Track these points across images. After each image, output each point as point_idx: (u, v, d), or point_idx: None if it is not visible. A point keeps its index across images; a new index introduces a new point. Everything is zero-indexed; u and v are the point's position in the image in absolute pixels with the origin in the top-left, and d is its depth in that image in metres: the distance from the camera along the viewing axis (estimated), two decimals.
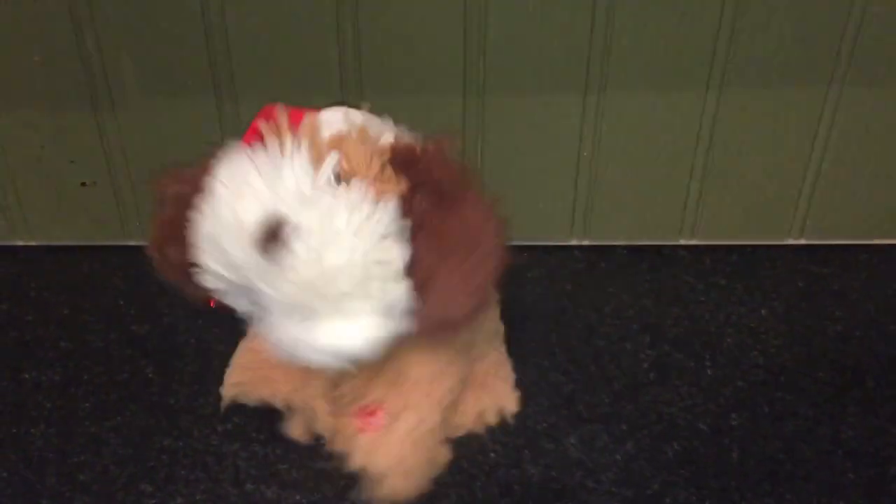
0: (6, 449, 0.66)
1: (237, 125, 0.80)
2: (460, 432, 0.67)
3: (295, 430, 0.66)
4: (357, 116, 0.57)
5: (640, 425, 0.67)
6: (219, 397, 0.69)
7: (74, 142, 0.82)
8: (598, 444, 0.66)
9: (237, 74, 0.77)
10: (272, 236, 0.51)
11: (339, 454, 0.64)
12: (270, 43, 0.76)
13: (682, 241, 0.87)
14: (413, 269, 0.53)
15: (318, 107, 0.58)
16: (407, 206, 0.52)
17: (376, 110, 0.75)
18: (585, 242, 0.87)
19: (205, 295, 0.57)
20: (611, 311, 0.79)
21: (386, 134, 0.57)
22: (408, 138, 0.57)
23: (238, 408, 0.68)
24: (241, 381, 0.66)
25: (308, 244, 0.50)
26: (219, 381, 0.70)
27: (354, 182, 0.52)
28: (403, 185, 0.53)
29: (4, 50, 0.77)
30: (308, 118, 0.55)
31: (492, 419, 0.68)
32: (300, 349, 0.54)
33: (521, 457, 0.65)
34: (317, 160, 0.52)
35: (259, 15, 0.74)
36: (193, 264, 0.55)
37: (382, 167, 0.53)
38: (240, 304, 0.56)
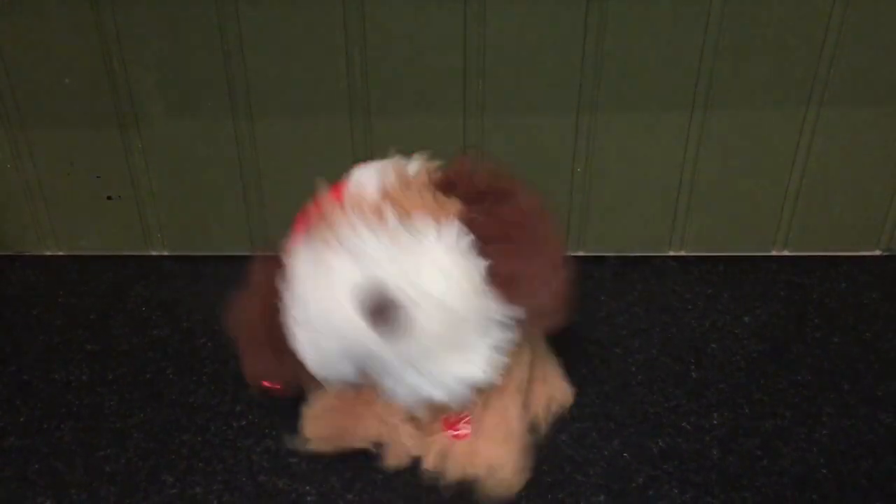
0: (39, 443, 0.69)
1: (252, 143, 0.84)
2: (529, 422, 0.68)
3: (391, 459, 0.66)
4: (385, 166, 0.59)
5: (626, 424, 0.70)
6: (234, 395, 0.73)
7: (101, 158, 0.85)
8: (587, 441, 0.69)
9: (253, 97, 0.81)
10: (383, 308, 0.51)
11: (432, 469, 0.65)
12: (284, 67, 0.79)
13: (671, 253, 0.90)
14: (495, 275, 0.54)
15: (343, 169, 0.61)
16: (469, 222, 0.54)
17: (382, 129, 0.80)
18: (580, 253, 0.90)
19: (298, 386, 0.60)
20: (602, 318, 0.82)
21: (414, 169, 0.58)
22: (433, 167, 0.58)
23: (252, 406, 0.72)
24: (319, 435, 0.67)
25: (428, 299, 0.51)
26: (234, 381, 0.75)
27: (419, 219, 0.52)
28: (458, 205, 0.55)
29: (37, 73, 0.80)
30: (347, 187, 0.57)
31: (555, 409, 0.69)
32: (424, 393, 0.55)
33: None
34: (378, 218, 0.53)
35: (274, 42, 0.78)
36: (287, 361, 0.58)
37: (433, 197, 0.55)
38: (345, 373, 0.58)
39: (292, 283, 0.56)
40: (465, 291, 0.53)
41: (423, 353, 0.54)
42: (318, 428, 0.67)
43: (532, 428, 0.68)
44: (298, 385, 0.62)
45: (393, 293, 0.52)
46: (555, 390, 0.70)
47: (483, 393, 0.62)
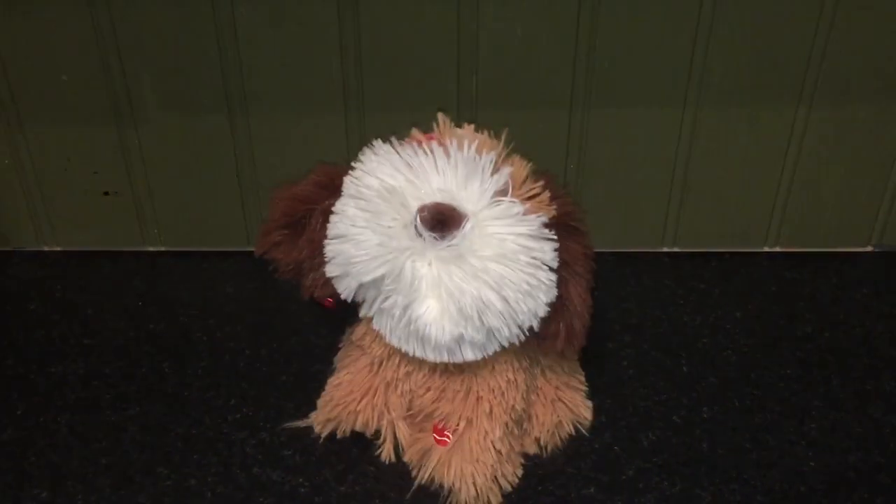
0: (35, 436, 0.70)
1: (248, 139, 0.84)
2: (535, 447, 0.68)
3: (384, 453, 0.68)
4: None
5: (618, 417, 0.71)
6: (228, 389, 0.74)
7: (98, 154, 0.86)
8: (578, 434, 0.69)
9: (248, 92, 0.81)
10: (441, 219, 0.53)
11: (411, 465, 0.67)
12: (279, 63, 0.80)
13: (664, 249, 0.91)
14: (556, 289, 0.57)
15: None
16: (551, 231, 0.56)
17: (377, 125, 0.80)
18: None
19: (319, 289, 0.59)
20: (595, 314, 0.82)
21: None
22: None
23: (246, 400, 0.73)
24: (330, 417, 0.68)
25: (471, 237, 0.53)
26: (229, 375, 0.76)
27: (511, 198, 0.55)
28: (553, 212, 0.57)
29: (34, 70, 0.81)
30: (480, 136, 0.59)
31: (568, 430, 0.69)
32: (422, 327, 0.55)
33: None
34: (495, 170, 0.56)
35: (269, 38, 0.78)
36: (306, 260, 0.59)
37: (536, 191, 0.57)
38: (354, 289, 0.57)
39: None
40: (510, 267, 0.54)
41: (439, 283, 0.54)
42: (329, 412, 0.68)
43: (532, 451, 0.68)
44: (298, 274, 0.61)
45: (459, 218, 0.53)
46: (570, 409, 0.69)
47: (467, 405, 0.63)
